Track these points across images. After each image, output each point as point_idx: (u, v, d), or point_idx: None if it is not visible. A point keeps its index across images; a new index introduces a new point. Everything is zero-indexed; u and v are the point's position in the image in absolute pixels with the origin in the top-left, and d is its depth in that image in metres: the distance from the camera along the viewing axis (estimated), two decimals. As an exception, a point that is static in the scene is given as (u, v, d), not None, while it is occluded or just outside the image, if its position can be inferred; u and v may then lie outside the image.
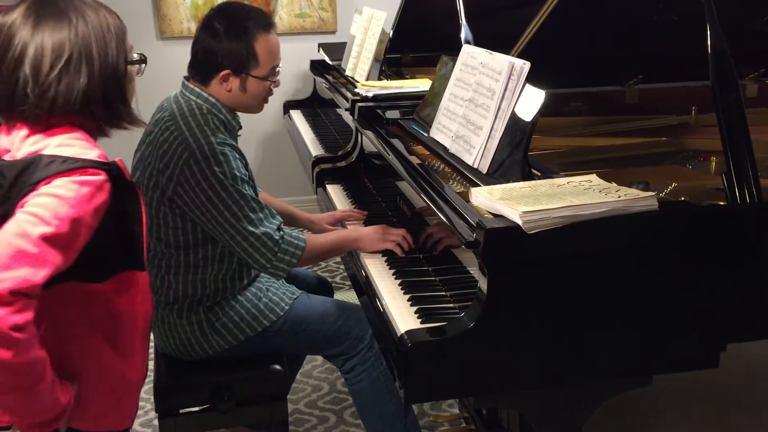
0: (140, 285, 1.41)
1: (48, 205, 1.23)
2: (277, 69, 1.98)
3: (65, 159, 1.27)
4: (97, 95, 1.33)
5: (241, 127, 2.02)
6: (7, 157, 1.34)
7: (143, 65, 1.46)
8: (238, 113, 2.01)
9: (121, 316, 1.40)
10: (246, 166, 1.92)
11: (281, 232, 1.90)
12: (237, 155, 1.88)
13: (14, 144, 1.34)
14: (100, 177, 1.28)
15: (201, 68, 1.93)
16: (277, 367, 1.99)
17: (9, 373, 1.20)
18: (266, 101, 2.02)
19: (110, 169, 1.30)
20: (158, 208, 1.89)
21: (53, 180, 1.25)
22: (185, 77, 1.98)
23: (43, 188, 1.25)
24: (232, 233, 1.85)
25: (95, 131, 1.39)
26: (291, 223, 2.33)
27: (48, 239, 1.21)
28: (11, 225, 1.22)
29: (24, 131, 1.34)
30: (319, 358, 2.87)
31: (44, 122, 1.33)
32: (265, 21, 1.93)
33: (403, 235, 1.96)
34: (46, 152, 1.29)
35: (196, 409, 2.00)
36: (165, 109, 1.94)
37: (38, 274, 1.20)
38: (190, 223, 1.89)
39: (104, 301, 1.38)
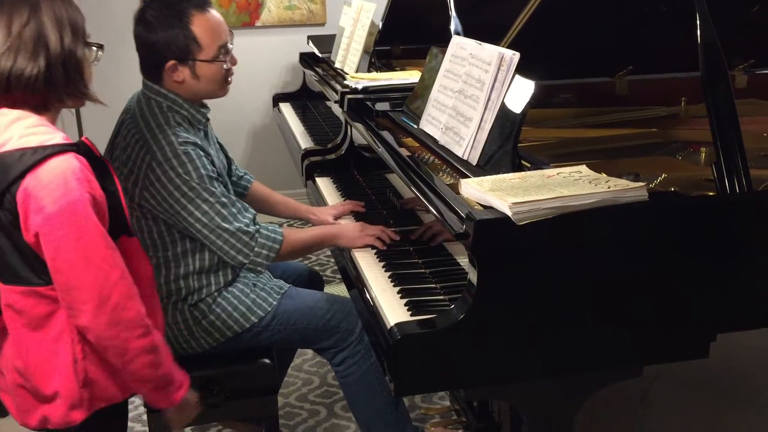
0: (135, 248, 1.54)
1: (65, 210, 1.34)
2: (226, 47, 1.87)
3: (35, 149, 1.35)
4: (58, 76, 1.43)
5: (208, 120, 1.97)
6: None
7: (100, 52, 1.54)
8: (206, 102, 1.95)
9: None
10: (212, 162, 1.87)
11: (256, 226, 1.88)
12: (201, 153, 1.83)
13: None
14: (72, 158, 1.37)
15: (147, 65, 1.87)
16: (267, 361, 1.98)
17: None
18: (228, 83, 1.92)
19: (78, 148, 1.40)
20: (130, 216, 1.87)
21: (33, 174, 1.34)
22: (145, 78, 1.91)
23: (42, 197, 1.34)
24: (205, 233, 1.83)
25: (54, 109, 1.48)
26: (291, 214, 2.32)
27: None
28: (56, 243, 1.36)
29: None
30: (310, 352, 2.86)
31: (3, 100, 1.42)
32: (199, 0, 1.84)
33: (382, 230, 1.97)
34: (10, 146, 1.37)
35: (186, 403, 1.99)
36: (128, 111, 1.92)
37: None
38: (164, 224, 1.87)
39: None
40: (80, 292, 1.38)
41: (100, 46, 1.54)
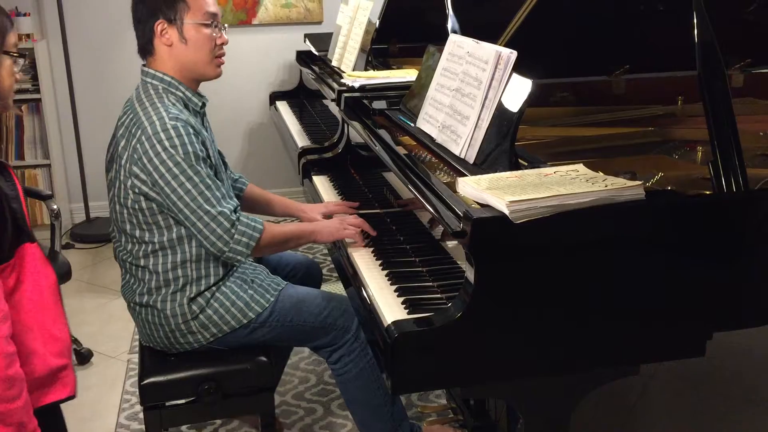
0: (38, 256, 1.49)
1: None
2: (216, 18, 1.94)
3: None
4: None
5: (204, 104, 2.01)
6: None
7: (21, 60, 1.54)
8: (205, 97, 2.00)
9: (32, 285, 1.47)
10: (204, 143, 1.89)
11: (237, 214, 1.88)
12: (191, 130, 1.84)
13: None
14: None
15: (141, 33, 1.93)
16: (264, 359, 1.98)
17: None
18: (219, 61, 1.97)
19: None
20: (125, 200, 1.88)
21: None
22: (143, 64, 1.97)
23: None
24: (186, 213, 1.83)
25: None
26: (284, 212, 2.32)
27: None
28: None
29: None
30: (306, 350, 2.86)
31: None
32: None
33: (361, 222, 2.00)
34: None
35: (182, 401, 1.99)
36: (128, 101, 1.97)
37: None
38: (158, 207, 1.87)
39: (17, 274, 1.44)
40: None
41: (22, 54, 1.54)
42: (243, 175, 2.32)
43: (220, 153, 2.15)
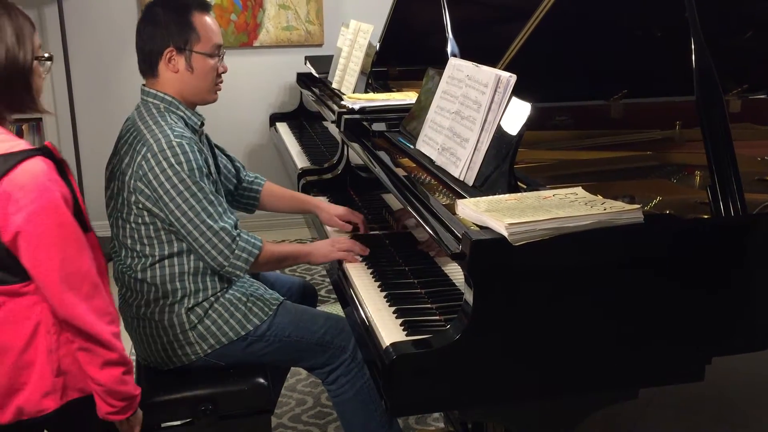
0: (93, 243, 1.61)
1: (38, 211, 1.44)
2: (220, 50, 2.00)
3: (5, 156, 1.45)
4: (1, 87, 1.50)
5: (203, 124, 2.04)
6: None
7: (50, 63, 1.63)
8: (198, 109, 2.03)
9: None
10: (206, 159, 1.93)
11: (238, 230, 1.91)
12: (195, 148, 1.88)
13: None
14: (41, 161, 1.47)
15: (147, 56, 1.96)
16: (261, 380, 1.97)
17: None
18: (218, 87, 2.03)
19: (43, 151, 1.50)
20: (128, 215, 1.90)
21: (7, 179, 1.42)
22: (143, 84, 2.00)
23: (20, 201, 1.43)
24: (189, 228, 1.86)
25: (3, 117, 1.56)
26: (299, 207, 2.38)
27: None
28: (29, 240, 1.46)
29: None
30: (303, 372, 2.84)
31: None
32: (202, 3, 1.98)
33: (353, 243, 2.03)
34: None
35: (178, 423, 1.97)
36: (128, 119, 2.00)
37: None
38: (160, 221, 1.89)
39: None
40: (60, 285, 1.49)
41: (50, 58, 1.63)
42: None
43: (230, 157, 2.24)
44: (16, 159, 1.45)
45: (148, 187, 1.85)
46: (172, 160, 1.83)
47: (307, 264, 2.13)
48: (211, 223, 1.86)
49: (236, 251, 1.89)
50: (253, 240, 1.92)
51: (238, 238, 1.89)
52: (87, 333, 1.53)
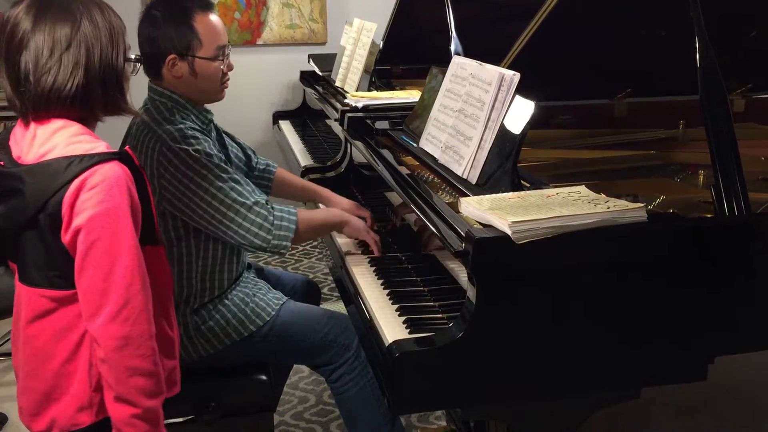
0: (159, 257, 1.56)
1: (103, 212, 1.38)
2: (224, 50, 1.96)
3: (81, 157, 1.40)
4: (96, 91, 1.46)
5: (212, 121, 2.03)
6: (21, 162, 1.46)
7: (138, 64, 1.60)
8: (206, 107, 2.02)
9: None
10: (220, 150, 1.93)
11: (269, 204, 1.90)
12: (208, 139, 1.88)
13: (23, 149, 1.46)
14: (117, 165, 1.42)
15: (149, 60, 1.93)
16: (263, 377, 1.97)
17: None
18: (225, 86, 2.01)
19: (121, 157, 1.45)
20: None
21: (80, 181, 1.38)
22: (150, 81, 1.99)
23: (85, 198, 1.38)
24: (223, 210, 1.83)
25: (92, 120, 1.52)
26: (310, 197, 2.38)
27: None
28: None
29: (30, 133, 1.46)
30: (306, 370, 2.84)
31: (44, 114, 1.45)
32: (204, 2, 1.94)
33: (378, 239, 2.03)
34: (55, 154, 1.42)
35: (180, 420, 1.97)
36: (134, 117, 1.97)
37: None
38: (171, 219, 1.89)
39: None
40: (98, 296, 1.40)
41: (139, 59, 1.60)
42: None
43: (240, 145, 2.25)
44: (92, 160, 1.41)
45: (171, 183, 1.83)
46: (191, 149, 1.83)
47: (338, 231, 2.11)
48: (243, 200, 1.85)
49: (276, 222, 1.86)
50: (287, 209, 1.91)
51: (273, 210, 1.88)
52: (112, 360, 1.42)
